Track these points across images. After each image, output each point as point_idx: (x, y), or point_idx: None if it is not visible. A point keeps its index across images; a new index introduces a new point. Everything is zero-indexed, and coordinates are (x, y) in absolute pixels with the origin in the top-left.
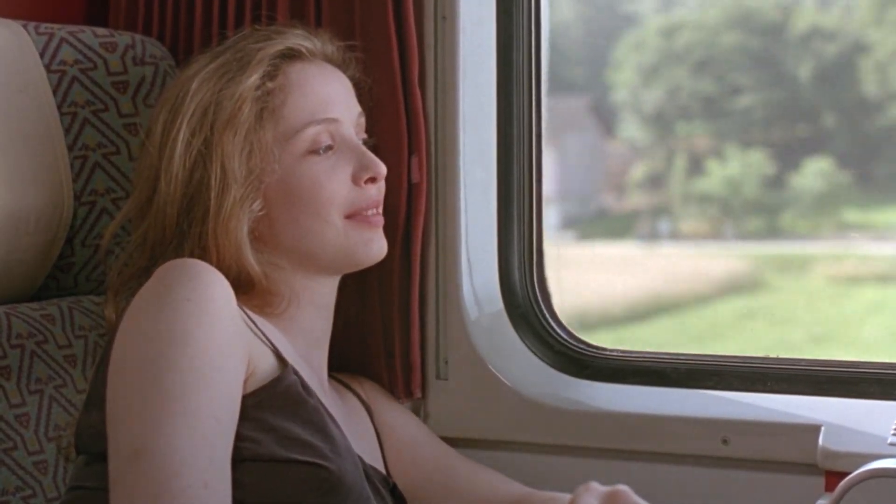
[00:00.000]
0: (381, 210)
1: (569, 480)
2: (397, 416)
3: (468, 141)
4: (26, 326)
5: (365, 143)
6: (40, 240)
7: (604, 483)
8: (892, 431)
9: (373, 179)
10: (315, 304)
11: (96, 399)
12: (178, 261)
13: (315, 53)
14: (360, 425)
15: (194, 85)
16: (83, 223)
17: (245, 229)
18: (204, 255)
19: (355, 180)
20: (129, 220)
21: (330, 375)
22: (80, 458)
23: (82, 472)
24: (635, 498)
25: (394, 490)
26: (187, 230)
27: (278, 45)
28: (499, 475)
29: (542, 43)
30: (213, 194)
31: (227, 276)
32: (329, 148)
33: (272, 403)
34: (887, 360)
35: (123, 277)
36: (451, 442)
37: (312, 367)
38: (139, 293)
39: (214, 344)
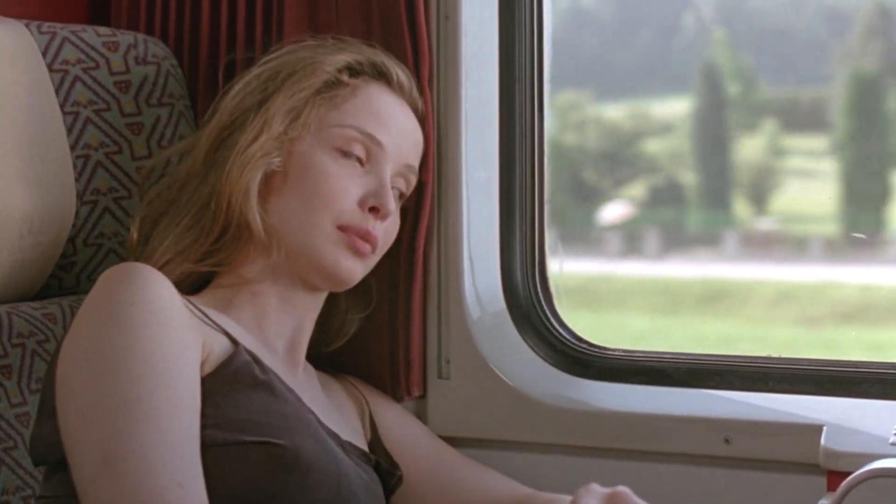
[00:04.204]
0: (373, 249)
1: (570, 480)
2: (398, 416)
3: (470, 141)
4: (27, 325)
5: (397, 198)
6: (43, 239)
7: (605, 483)
8: (894, 431)
9: (376, 210)
10: (287, 301)
11: (48, 410)
12: (118, 266)
13: (403, 92)
14: (343, 410)
15: (287, 49)
16: (85, 222)
17: (258, 176)
18: (219, 197)
19: (361, 203)
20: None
21: (327, 372)
22: (42, 470)
23: (45, 483)
24: (635, 499)
25: (377, 467)
26: (213, 167)
27: (379, 60)
28: (500, 476)
29: (544, 42)
30: (244, 137)
31: (228, 224)
32: (359, 161)
33: (223, 386)
34: (890, 361)
35: (154, 205)
36: (453, 441)
37: (276, 353)
38: (83, 304)
39: (166, 342)
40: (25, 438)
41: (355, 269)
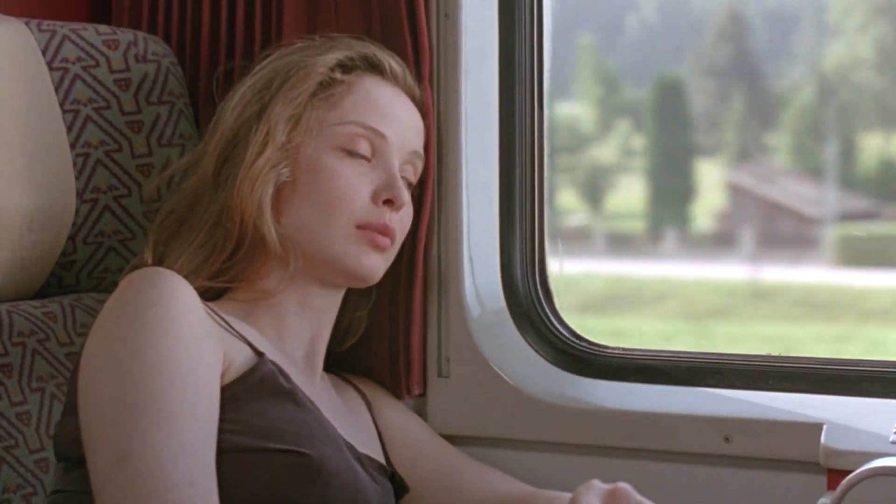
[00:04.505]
0: (392, 242)
1: (570, 478)
2: (400, 415)
3: (470, 139)
4: (28, 324)
5: (407, 186)
6: (43, 238)
7: (605, 481)
8: (895, 430)
9: (390, 202)
10: (306, 304)
11: (72, 407)
12: (141, 270)
13: (398, 80)
14: (356, 416)
15: (277, 55)
16: (85, 220)
17: (270, 190)
18: (231, 213)
19: (374, 198)
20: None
21: (333, 373)
22: (59, 465)
23: (63, 478)
24: (636, 495)
25: (393, 478)
26: (222, 184)
27: (370, 52)
28: (501, 474)
29: (544, 41)
30: (249, 152)
31: (242, 240)
32: (365, 159)
33: (247, 394)
34: (890, 359)
35: (165, 225)
36: (453, 439)
37: (294, 360)
38: (105, 305)
39: (184, 345)
40: (26, 437)
41: (377, 265)
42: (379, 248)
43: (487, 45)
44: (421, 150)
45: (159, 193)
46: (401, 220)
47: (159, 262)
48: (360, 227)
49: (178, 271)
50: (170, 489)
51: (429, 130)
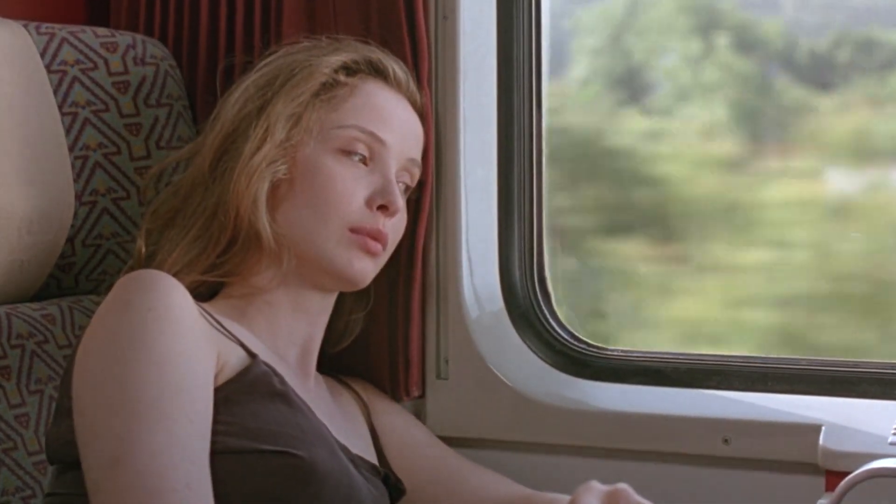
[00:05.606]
0: (384, 247)
1: (569, 480)
2: (398, 418)
3: (469, 140)
4: (26, 326)
5: (404, 192)
6: (41, 240)
7: (604, 483)
8: (893, 431)
9: (384, 208)
10: (299, 307)
11: (65, 410)
12: (135, 272)
13: (401, 87)
14: (350, 419)
15: (282, 52)
16: (84, 223)
17: (265, 186)
18: (227, 207)
19: (369, 203)
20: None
21: (331, 375)
22: (52, 468)
23: (56, 480)
24: (636, 497)
25: (386, 479)
26: (219, 177)
27: (375, 57)
28: (499, 477)
29: (542, 42)
30: (247, 147)
31: (237, 235)
32: (363, 161)
33: (240, 395)
34: (889, 361)
35: (159, 215)
36: (452, 441)
37: (288, 363)
38: (100, 307)
39: (180, 348)
40: (25, 439)
41: (368, 269)
42: (370, 253)
43: (486, 46)
44: (419, 159)
45: (157, 192)
46: (394, 227)
47: (153, 253)
48: (352, 230)
49: (173, 264)
50: (167, 492)
51: (427, 132)
